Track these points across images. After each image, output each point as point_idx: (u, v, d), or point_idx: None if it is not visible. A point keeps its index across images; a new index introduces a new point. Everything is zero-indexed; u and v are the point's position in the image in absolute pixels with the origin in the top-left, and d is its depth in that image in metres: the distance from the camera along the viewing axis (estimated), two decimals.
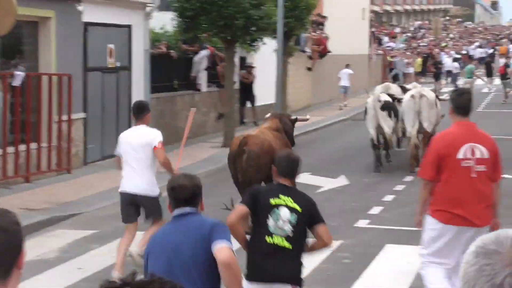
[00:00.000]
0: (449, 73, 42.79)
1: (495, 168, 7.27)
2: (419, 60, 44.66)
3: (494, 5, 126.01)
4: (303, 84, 31.39)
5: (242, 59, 25.98)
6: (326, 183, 15.64)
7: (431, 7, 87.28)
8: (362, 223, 12.31)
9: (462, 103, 7.32)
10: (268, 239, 5.91)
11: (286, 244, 5.92)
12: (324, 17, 33.25)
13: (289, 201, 6.02)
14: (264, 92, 26.18)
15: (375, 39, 46.52)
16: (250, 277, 5.70)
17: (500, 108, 31.05)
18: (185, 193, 4.87)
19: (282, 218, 5.95)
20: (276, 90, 23.39)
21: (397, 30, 63.47)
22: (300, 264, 6.02)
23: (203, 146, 21.09)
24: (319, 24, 32.76)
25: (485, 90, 40.03)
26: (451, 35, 70.73)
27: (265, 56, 25.46)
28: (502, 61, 45.41)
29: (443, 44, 58.58)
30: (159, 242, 4.90)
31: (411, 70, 42.25)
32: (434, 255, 7.36)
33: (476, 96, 35.58)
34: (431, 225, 7.30)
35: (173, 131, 21.57)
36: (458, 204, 7.12)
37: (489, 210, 7.24)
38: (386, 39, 52.69)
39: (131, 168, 9.02)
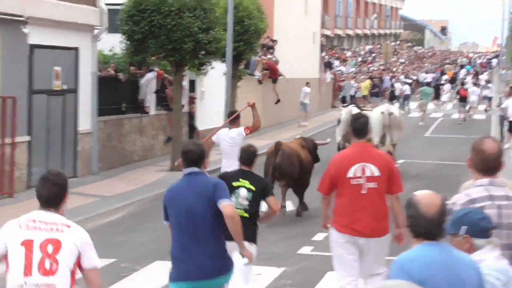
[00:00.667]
0: (397, 97, 43.66)
1: (391, 184, 7.98)
2: (365, 83, 45.29)
3: (444, 31, 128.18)
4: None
5: (192, 82, 25.97)
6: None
7: (382, 31, 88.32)
8: (306, 250, 12.30)
9: (358, 126, 8.09)
10: None
11: (245, 214, 8.11)
12: (275, 41, 33.44)
13: (247, 183, 8.28)
14: (213, 115, 26.18)
15: (326, 63, 46.90)
16: None
17: (448, 134, 31.42)
18: (193, 156, 6.73)
19: (241, 196, 8.22)
20: (225, 114, 23.42)
21: (348, 54, 64.03)
22: (255, 228, 8.28)
23: (150, 169, 20.96)
24: (269, 48, 32.92)
25: (433, 115, 40.53)
26: (401, 60, 71.64)
27: (214, 80, 25.51)
28: (448, 85, 46.78)
29: (394, 69, 59.33)
30: (174, 196, 6.74)
31: (359, 93, 43.12)
32: (341, 270, 8.04)
33: (425, 121, 36.28)
34: (332, 235, 8.13)
35: (120, 154, 21.44)
36: (350, 217, 7.92)
37: (383, 222, 7.96)
38: (337, 63, 53.14)
39: (229, 157, 12.08)
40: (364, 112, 21.13)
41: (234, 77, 24.28)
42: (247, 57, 26.20)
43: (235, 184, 8.25)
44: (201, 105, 26.50)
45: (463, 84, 43.11)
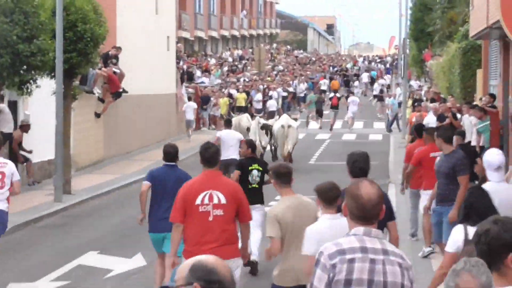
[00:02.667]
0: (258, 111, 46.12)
1: (239, 212, 10.22)
2: (224, 100, 46.42)
3: (330, 29, 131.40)
4: (93, 133, 31.41)
5: (13, 104, 25.70)
6: (117, 265, 15.71)
7: (254, 32, 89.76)
8: None
9: (207, 156, 10.31)
10: (250, 186, 15.16)
11: (257, 186, 15.37)
12: (118, 49, 33.53)
13: (256, 166, 15.46)
14: (43, 145, 25.99)
15: (184, 74, 47.35)
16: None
17: (337, 160, 32.17)
18: (171, 155, 12.85)
19: (254, 175, 15.34)
20: (56, 143, 23.31)
21: (212, 61, 64.70)
22: (262, 195, 15.58)
23: None
24: (112, 58, 32.99)
25: (320, 136, 41.55)
26: (279, 67, 72.98)
27: (42, 101, 25.35)
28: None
29: (268, 78, 60.46)
30: (160, 177, 12.74)
31: (217, 112, 44.64)
32: None
33: (310, 144, 37.14)
34: None
35: None
36: (200, 244, 9.93)
37: (230, 246, 10.12)
38: (199, 73, 53.69)
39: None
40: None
41: (67, 96, 24.24)
42: (83, 71, 26.19)
43: (250, 168, 15.51)
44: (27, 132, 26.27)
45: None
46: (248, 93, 50.57)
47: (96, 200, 24.24)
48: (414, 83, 55.05)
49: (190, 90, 45.12)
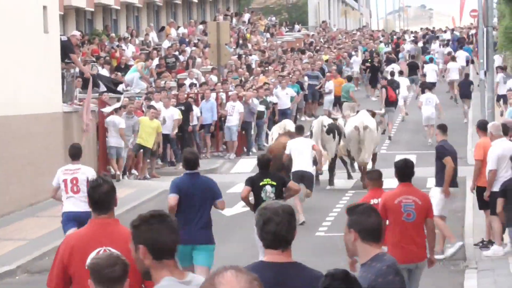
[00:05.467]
0: None
1: (134, 277, 11.12)
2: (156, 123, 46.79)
3: None
4: None
5: None
6: None
7: None
8: None
9: (99, 197, 12.35)
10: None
11: None
12: None
13: (269, 180, 27.49)
14: None
15: (76, 76, 47.21)
16: None
17: None
18: (193, 162, 24.40)
19: (268, 191, 27.26)
20: None
21: (131, 50, 64.50)
22: None
23: None
24: None
25: (341, 184, 41.82)
26: (254, 57, 73.07)
27: None
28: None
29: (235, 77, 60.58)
30: (186, 188, 23.94)
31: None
32: None
33: (323, 199, 37.24)
34: None
35: None
36: None
37: None
38: (104, 72, 53.73)
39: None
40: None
41: None
42: None
43: (261, 183, 26.61)
44: None
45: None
46: (188, 109, 50.48)
47: None
48: (503, 78, 55.50)
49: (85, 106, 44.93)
